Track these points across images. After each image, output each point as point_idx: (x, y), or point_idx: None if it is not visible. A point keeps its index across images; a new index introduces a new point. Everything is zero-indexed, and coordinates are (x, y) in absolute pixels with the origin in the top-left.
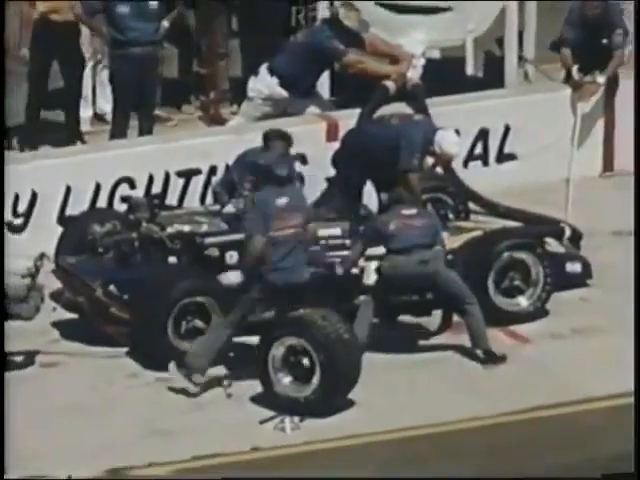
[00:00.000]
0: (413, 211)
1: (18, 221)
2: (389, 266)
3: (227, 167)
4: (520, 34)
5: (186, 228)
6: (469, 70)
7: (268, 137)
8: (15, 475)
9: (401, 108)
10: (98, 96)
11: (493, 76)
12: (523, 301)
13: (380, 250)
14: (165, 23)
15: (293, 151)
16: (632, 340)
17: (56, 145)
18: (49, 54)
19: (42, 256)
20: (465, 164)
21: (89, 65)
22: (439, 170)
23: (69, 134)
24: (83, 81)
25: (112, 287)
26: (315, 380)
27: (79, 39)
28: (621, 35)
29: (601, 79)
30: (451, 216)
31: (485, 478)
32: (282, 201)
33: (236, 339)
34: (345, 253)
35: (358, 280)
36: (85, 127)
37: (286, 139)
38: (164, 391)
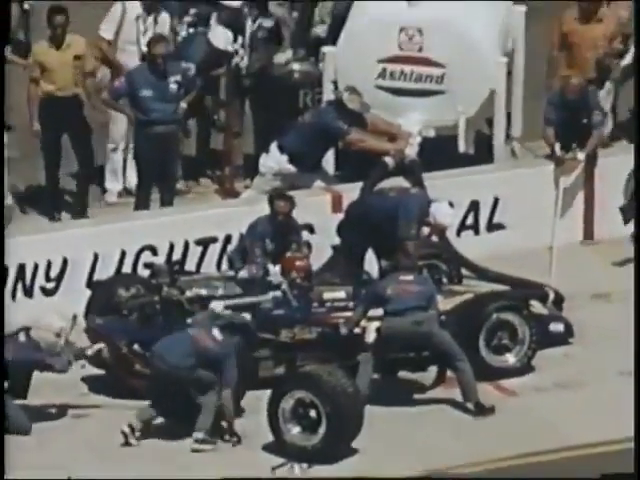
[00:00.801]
0: (410, 277)
1: (50, 285)
2: (386, 326)
3: (241, 236)
4: (507, 115)
5: (203, 292)
6: (461, 147)
7: (273, 198)
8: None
9: (399, 182)
10: (127, 172)
11: (483, 153)
12: (511, 358)
13: (380, 312)
14: (183, 104)
15: (301, 221)
16: (610, 392)
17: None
18: (57, 128)
19: (75, 317)
20: (458, 233)
21: (121, 146)
22: (434, 239)
23: (78, 203)
24: (94, 151)
25: (136, 345)
26: (321, 430)
27: (83, 112)
28: (599, 115)
29: (581, 156)
30: (445, 280)
31: (485, 478)
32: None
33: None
34: (348, 314)
35: (360, 339)
36: (112, 199)
37: (288, 200)
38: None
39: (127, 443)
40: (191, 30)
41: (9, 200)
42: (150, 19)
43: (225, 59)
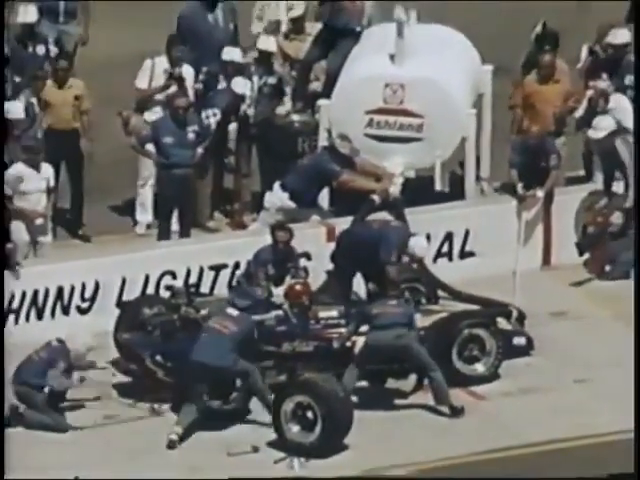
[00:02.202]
0: (394, 302)
1: (85, 305)
2: (371, 339)
3: (248, 262)
4: (477, 158)
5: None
6: (437, 186)
7: (274, 228)
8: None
9: (384, 216)
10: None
11: (456, 191)
12: (480, 367)
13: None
14: (200, 150)
15: (300, 249)
16: (566, 397)
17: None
18: (56, 157)
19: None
20: (434, 260)
21: (150, 182)
22: (414, 265)
23: (73, 223)
24: (83, 178)
25: (158, 357)
26: (318, 429)
27: (79, 144)
28: (555, 159)
29: (540, 193)
30: (423, 301)
31: (484, 478)
32: (230, 310)
33: None
34: (341, 330)
35: (350, 351)
36: (142, 230)
37: (288, 231)
38: (200, 436)
39: (172, 447)
40: (219, 87)
41: (40, 220)
42: (175, 72)
43: (242, 103)
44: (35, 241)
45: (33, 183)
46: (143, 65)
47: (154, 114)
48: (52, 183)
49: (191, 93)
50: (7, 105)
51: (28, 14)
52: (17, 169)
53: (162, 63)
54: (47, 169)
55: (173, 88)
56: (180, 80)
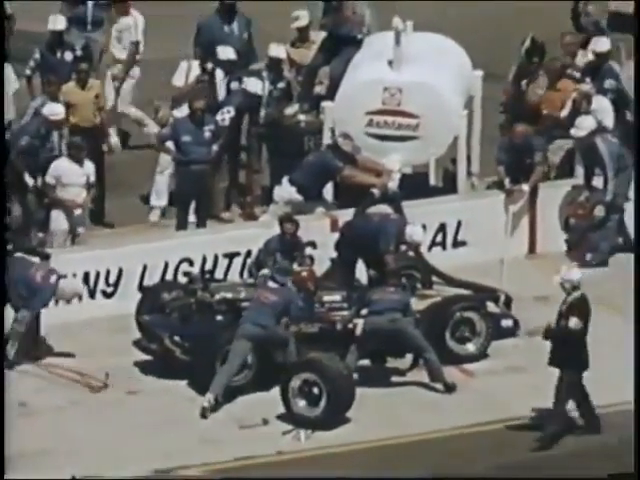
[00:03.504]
0: (392, 289)
1: (109, 289)
2: (369, 323)
3: (258, 251)
4: (468, 156)
5: (229, 295)
6: (432, 181)
7: (282, 220)
8: (15, 475)
9: (383, 208)
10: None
11: (449, 185)
12: (470, 347)
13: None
14: (215, 147)
15: (306, 239)
16: (550, 376)
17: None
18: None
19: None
20: (429, 249)
21: (167, 171)
22: (411, 253)
23: (96, 214)
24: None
25: (177, 338)
26: (322, 403)
27: (99, 138)
28: (540, 156)
29: (526, 188)
30: (419, 286)
31: (485, 477)
32: (271, 284)
33: None
34: (343, 313)
35: (352, 332)
36: (155, 218)
37: (294, 221)
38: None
39: (204, 416)
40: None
41: (79, 211)
42: (208, 67)
43: (255, 101)
44: (75, 231)
45: (74, 177)
46: (180, 65)
47: (182, 111)
48: (92, 179)
49: (220, 94)
50: (50, 106)
51: (57, 22)
52: (61, 163)
53: (197, 65)
54: (89, 166)
55: (204, 85)
56: (212, 77)
